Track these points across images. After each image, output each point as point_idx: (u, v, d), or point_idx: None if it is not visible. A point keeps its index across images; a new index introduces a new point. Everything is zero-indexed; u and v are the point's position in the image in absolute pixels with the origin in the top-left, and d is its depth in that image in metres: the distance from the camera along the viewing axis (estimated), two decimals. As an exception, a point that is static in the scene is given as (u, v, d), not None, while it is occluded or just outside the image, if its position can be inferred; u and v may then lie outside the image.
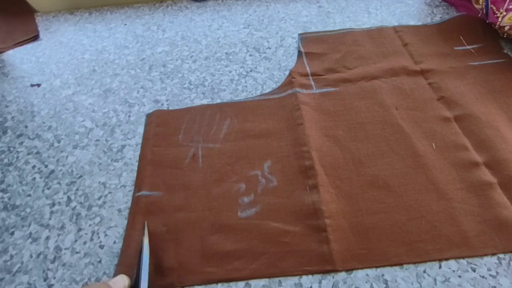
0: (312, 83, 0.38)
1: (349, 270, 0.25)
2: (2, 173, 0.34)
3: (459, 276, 0.25)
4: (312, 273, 0.25)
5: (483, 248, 0.26)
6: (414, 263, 0.25)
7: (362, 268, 0.25)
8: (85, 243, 0.28)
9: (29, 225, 0.30)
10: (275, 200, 0.29)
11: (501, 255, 0.26)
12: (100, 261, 0.27)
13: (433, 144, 0.32)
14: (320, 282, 0.25)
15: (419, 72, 0.38)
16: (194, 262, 0.26)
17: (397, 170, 0.30)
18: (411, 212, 0.28)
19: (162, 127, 0.35)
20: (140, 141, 0.35)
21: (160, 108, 0.37)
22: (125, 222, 0.29)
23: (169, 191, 0.31)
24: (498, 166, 0.29)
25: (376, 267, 0.25)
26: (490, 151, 0.30)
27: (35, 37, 0.47)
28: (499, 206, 0.27)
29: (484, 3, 0.39)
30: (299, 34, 0.43)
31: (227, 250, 0.27)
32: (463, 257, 0.25)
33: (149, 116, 0.37)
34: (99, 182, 0.32)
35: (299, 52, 0.41)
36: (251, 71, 0.40)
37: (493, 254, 0.26)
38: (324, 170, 0.31)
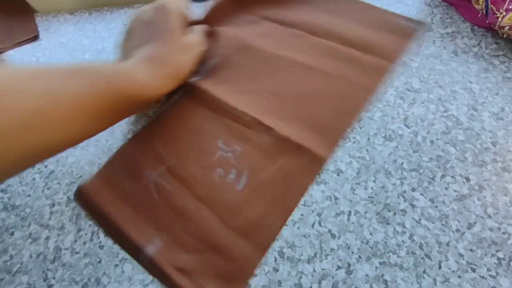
0: None
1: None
2: (2, 173, 0.33)
3: (459, 277, 0.25)
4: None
5: None
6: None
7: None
8: (85, 243, 0.28)
9: (29, 225, 0.30)
10: (251, 158, 0.31)
11: (501, 255, 0.26)
12: (100, 261, 0.27)
13: None
14: (319, 282, 0.25)
15: None
16: None
17: None
18: None
19: None
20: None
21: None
22: (125, 222, 0.29)
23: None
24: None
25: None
26: None
27: (35, 37, 0.47)
28: None
29: (484, 3, 0.39)
30: None
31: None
32: None
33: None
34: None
35: None
36: (251, 71, 0.40)
37: (493, 255, 0.26)
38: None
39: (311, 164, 0.30)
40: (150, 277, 0.27)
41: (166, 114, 0.34)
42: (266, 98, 0.34)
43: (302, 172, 0.30)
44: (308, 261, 0.26)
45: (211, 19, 0.40)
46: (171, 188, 0.29)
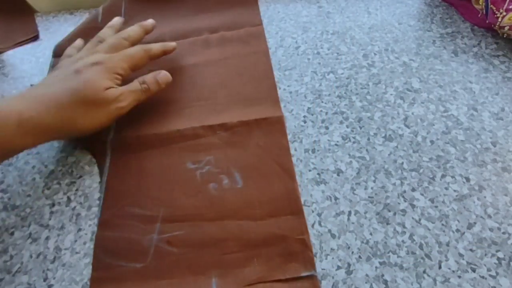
0: None
1: None
2: (2, 173, 0.34)
3: (459, 277, 0.25)
4: None
5: None
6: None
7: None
8: (85, 243, 0.28)
9: (29, 225, 0.30)
10: (227, 156, 0.32)
11: (501, 255, 0.26)
12: (100, 261, 0.27)
13: None
14: (320, 282, 0.25)
15: None
16: None
17: None
18: None
19: None
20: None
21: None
22: (125, 222, 0.29)
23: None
24: None
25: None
26: None
27: (35, 37, 0.47)
28: None
29: (484, 3, 0.39)
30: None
31: None
32: None
33: None
34: (99, 182, 0.32)
35: None
36: (251, 71, 0.40)
37: (493, 255, 0.26)
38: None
39: (275, 126, 0.33)
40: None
41: (118, 181, 0.31)
42: (194, 106, 0.36)
43: (274, 136, 0.33)
44: (308, 261, 0.26)
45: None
46: (183, 231, 0.28)
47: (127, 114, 0.33)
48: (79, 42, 0.39)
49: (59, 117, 0.28)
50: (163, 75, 0.34)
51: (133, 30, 0.37)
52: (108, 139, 0.34)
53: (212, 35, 0.42)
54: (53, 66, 0.42)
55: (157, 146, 0.33)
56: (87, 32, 0.41)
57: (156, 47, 0.36)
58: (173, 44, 0.37)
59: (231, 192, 0.30)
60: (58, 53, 0.42)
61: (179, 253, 0.27)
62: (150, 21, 0.39)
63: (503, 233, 0.27)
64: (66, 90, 0.29)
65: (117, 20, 0.40)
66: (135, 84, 0.33)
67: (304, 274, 0.25)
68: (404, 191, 0.30)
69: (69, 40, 0.42)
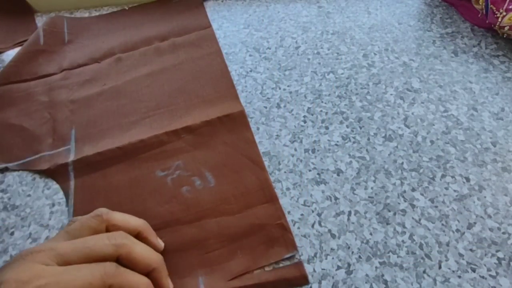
0: None
1: None
2: (2, 173, 0.33)
3: (459, 277, 0.25)
4: None
5: None
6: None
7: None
8: (85, 243, 0.28)
9: (29, 225, 0.30)
10: (195, 158, 0.32)
11: (501, 255, 0.26)
12: (100, 261, 0.27)
13: None
14: (319, 282, 0.25)
15: None
16: None
17: None
18: None
19: None
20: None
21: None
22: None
23: None
24: None
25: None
26: None
27: (35, 37, 0.47)
28: None
29: (484, 3, 0.39)
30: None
31: None
32: None
33: None
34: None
35: None
36: (250, 71, 0.40)
37: (493, 255, 0.26)
38: None
39: (238, 121, 0.34)
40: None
41: (86, 203, 0.30)
42: (154, 114, 0.36)
43: (239, 131, 0.33)
44: (308, 261, 0.26)
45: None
46: (162, 238, 0.27)
47: (85, 132, 0.32)
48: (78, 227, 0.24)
49: None
50: None
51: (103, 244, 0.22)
52: (69, 161, 0.32)
53: (163, 43, 0.43)
54: None
55: (122, 160, 0.32)
56: (30, 56, 0.41)
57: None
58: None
59: (205, 192, 0.30)
60: (1, 81, 0.39)
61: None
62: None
63: (503, 233, 0.27)
64: None
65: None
66: None
67: (287, 255, 0.26)
68: (404, 191, 0.30)
69: (13, 65, 0.40)
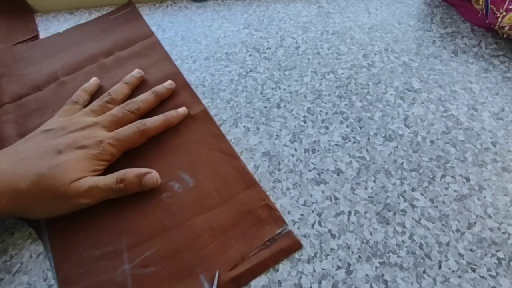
0: None
1: None
2: None
3: (459, 277, 0.25)
4: None
5: None
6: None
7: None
8: (85, 243, 0.28)
9: (29, 226, 0.30)
10: (168, 164, 0.32)
11: (501, 255, 0.26)
12: (100, 261, 0.27)
13: None
14: (319, 282, 0.25)
15: None
16: None
17: None
18: None
19: None
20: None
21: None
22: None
23: None
24: None
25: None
26: None
27: (35, 37, 0.47)
28: None
29: (484, 3, 0.39)
30: None
31: None
32: None
33: None
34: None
35: None
36: (250, 71, 0.40)
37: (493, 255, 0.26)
38: None
39: (202, 119, 0.35)
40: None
41: (63, 232, 0.29)
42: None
43: (205, 128, 0.34)
44: (308, 261, 0.26)
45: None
46: (153, 248, 0.27)
47: None
48: (91, 88, 0.37)
49: (13, 205, 0.26)
50: (151, 179, 0.30)
51: (144, 100, 0.34)
52: None
53: (107, 59, 0.41)
54: None
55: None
56: None
57: (155, 124, 0.33)
58: (181, 111, 0.35)
59: (186, 193, 0.30)
60: None
61: (159, 269, 0.26)
62: (136, 72, 0.38)
63: (503, 233, 0.27)
64: (31, 174, 0.26)
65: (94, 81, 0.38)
66: (110, 181, 0.28)
67: (279, 231, 0.27)
68: (404, 191, 0.30)
69: None
